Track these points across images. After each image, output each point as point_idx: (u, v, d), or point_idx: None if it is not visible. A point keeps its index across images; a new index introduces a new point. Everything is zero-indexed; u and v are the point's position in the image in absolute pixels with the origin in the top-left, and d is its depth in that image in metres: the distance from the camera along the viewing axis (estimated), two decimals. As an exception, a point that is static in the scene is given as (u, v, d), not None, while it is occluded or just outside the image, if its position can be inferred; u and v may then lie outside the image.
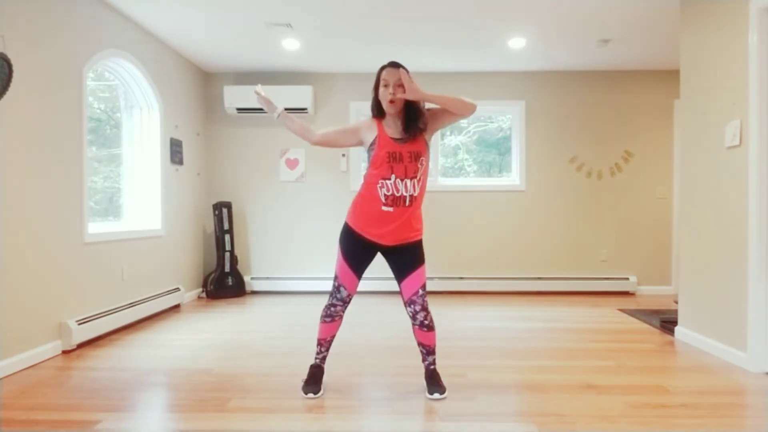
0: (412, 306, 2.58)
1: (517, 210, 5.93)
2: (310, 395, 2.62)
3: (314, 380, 2.69)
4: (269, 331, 4.07)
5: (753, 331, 3.03)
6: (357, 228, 2.58)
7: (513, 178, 6.01)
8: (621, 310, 4.91)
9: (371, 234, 2.55)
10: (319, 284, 5.87)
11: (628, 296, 5.73)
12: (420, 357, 2.75)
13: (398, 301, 2.61)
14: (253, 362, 3.24)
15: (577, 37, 4.76)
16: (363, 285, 5.80)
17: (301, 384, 2.71)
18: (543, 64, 5.64)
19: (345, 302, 2.65)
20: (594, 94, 5.90)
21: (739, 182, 3.17)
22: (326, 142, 2.72)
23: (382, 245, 2.57)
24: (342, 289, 2.62)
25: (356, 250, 2.59)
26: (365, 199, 2.55)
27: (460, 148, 6.20)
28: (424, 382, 2.72)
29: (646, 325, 4.25)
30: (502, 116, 6.11)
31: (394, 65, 2.49)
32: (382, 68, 2.52)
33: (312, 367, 2.74)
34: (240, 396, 2.65)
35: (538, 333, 4.00)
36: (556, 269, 5.92)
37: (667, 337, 3.87)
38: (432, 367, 2.69)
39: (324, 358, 2.74)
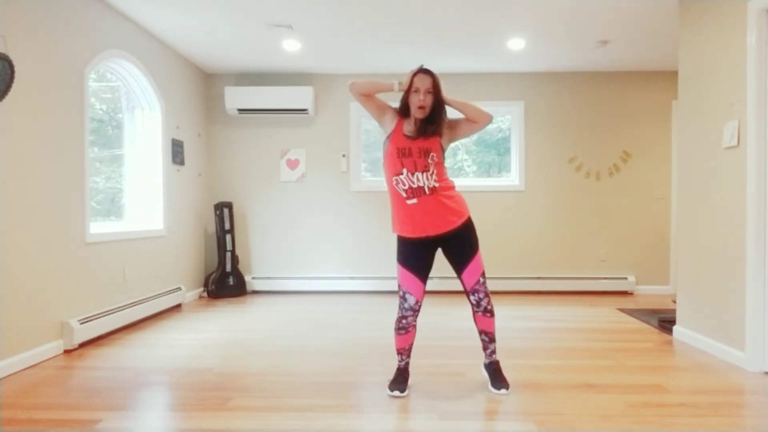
0: (476, 294, 2.64)
1: (517, 210, 5.95)
2: (396, 393, 2.64)
3: (400, 379, 2.70)
4: (270, 331, 4.09)
5: (751, 331, 3.04)
6: (401, 232, 2.64)
7: (512, 178, 6.02)
8: (620, 309, 4.92)
9: (413, 231, 2.59)
10: (319, 284, 5.89)
11: (626, 296, 5.74)
12: (480, 345, 2.80)
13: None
14: (253, 361, 3.25)
15: (576, 38, 4.78)
16: (364, 285, 5.88)
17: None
18: (542, 65, 5.66)
19: (414, 310, 2.64)
20: (593, 94, 5.92)
21: (737, 182, 3.18)
22: (361, 93, 2.63)
23: (429, 237, 2.60)
24: (408, 296, 2.63)
25: (410, 254, 2.63)
26: (393, 202, 2.63)
27: (459, 149, 6.21)
28: (485, 374, 2.78)
29: (644, 325, 4.27)
30: (502, 117, 6.12)
31: (427, 72, 2.56)
32: (415, 73, 2.56)
33: (398, 368, 2.75)
34: (241, 395, 2.66)
35: (537, 332, 4.01)
36: (555, 269, 5.94)
37: (666, 336, 3.88)
38: (495, 357, 2.76)
39: (407, 363, 2.76)
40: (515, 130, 5.98)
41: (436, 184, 2.56)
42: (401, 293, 2.64)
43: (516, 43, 4.91)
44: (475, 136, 6.19)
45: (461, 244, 2.63)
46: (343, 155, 5.96)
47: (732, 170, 3.24)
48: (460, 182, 6.00)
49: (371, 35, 4.72)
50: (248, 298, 5.62)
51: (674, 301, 4.02)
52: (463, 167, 6.22)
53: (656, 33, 4.65)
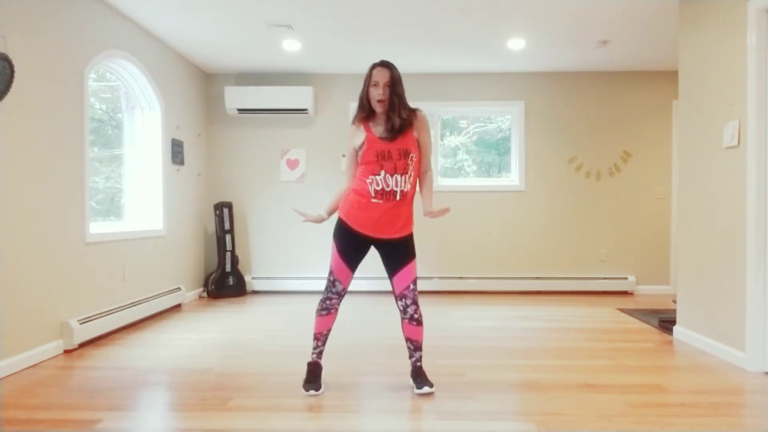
0: (404, 300, 2.65)
1: (517, 210, 5.95)
2: (312, 392, 2.64)
3: (314, 377, 2.71)
4: (270, 331, 4.09)
5: (751, 331, 3.04)
6: (349, 221, 2.64)
7: (512, 178, 6.02)
8: (620, 309, 4.92)
9: (362, 227, 2.61)
10: (319, 284, 5.86)
11: (626, 296, 5.74)
12: (407, 354, 2.79)
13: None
14: (253, 361, 3.25)
15: (576, 38, 4.78)
16: (362, 285, 5.87)
17: (302, 383, 2.73)
18: (542, 65, 5.66)
19: (340, 296, 2.70)
20: (593, 94, 5.91)
21: (737, 182, 3.18)
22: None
23: (373, 238, 2.63)
24: (337, 283, 2.68)
25: (349, 245, 2.65)
26: (356, 193, 2.62)
27: (459, 149, 6.21)
28: (411, 382, 2.75)
29: (644, 325, 4.27)
30: (502, 117, 6.13)
31: (385, 65, 2.60)
32: (373, 67, 2.61)
33: (309, 364, 2.76)
34: (241, 395, 2.66)
35: (538, 332, 4.01)
36: (555, 269, 5.94)
37: (666, 336, 3.88)
38: (418, 363, 2.74)
39: (321, 353, 2.77)
40: (515, 130, 5.98)
41: (407, 189, 2.59)
42: (332, 279, 2.68)
43: (516, 43, 4.91)
44: (475, 137, 6.19)
45: (400, 250, 2.65)
46: (343, 155, 5.95)
47: (732, 170, 3.24)
48: (460, 182, 6.05)
49: (371, 35, 4.72)
50: (248, 298, 5.62)
51: (674, 301, 4.02)
52: (463, 167, 6.22)
53: (656, 33, 4.65)
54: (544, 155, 5.94)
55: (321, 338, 2.75)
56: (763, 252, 3.00)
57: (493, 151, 6.24)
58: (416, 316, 2.67)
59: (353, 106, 5.82)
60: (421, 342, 2.73)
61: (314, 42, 4.89)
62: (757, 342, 3.02)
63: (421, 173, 2.72)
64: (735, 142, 3.18)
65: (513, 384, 2.79)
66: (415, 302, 2.66)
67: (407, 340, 2.73)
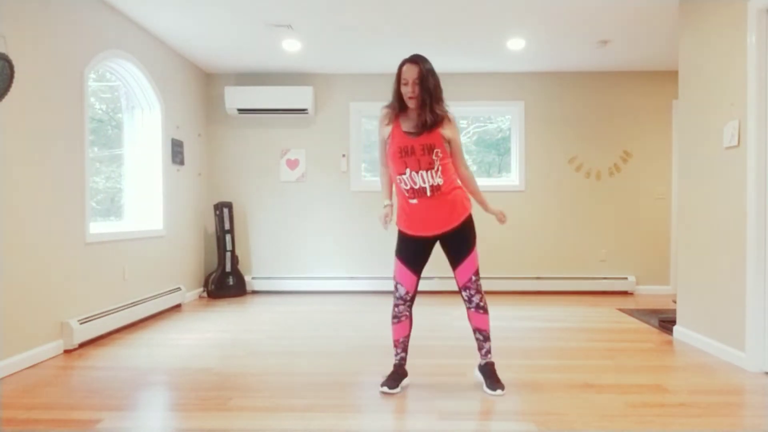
0: (467, 291, 2.67)
1: (517, 210, 5.94)
2: (385, 389, 2.65)
3: (394, 377, 2.71)
4: (270, 331, 4.09)
5: (751, 331, 3.04)
6: (401, 226, 2.69)
7: (512, 178, 6.02)
8: (620, 309, 4.92)
9: (412, 229, 2.64)
10: (319, 284, 5.89)
11: (626, 296, 5.74)
12: (475, 346, 2.79)
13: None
14: (253, 361, 3.25)
15: (576, 38, 4.78)
16: (364, 285, 5.87)
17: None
18: (542, 65, 5.66)
19: (405, 300, 2.70)
20: (593, 94, 5.91)
21: (737, 182, 3.18)
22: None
23: (428, 237, 2.64)
24: (400, 287, 2.69)
25: (407, 248, 2.68)
26: (398, 198, 2.67)
27: (459, 149, 6.21)
28: (479, 376, 2.76)
29: (644, 325, 4.27)
30: (502, 117, 6.13)
31: (413, 62, 2.58)
32: (403, 64, 2.61)
33: (394, 366, 2.77)
34: (241, 395, 2.66)
35: (537, 332, 4.01)
36: (555, 269, 5.94)
37: (666, 336, 3.88)
38: (490, 357, 2.75)
39: (403, 359, 2.77)
40: (515, 130, 5.98)
41: (440, 182, 2.55)
42: (395, 283, 2.71)
43: (516, 43, 4.91)
44: (475, 137, 6.19)
45: (458, 242, 2.66)
46: (343, 155, 5.96)
47: (732, 170, 3.23)
48: (460, 182, 6.04)
49: (371, 35, 4.72)
50: (248, 298, 5.62)
51: (674, 301, 4.02)
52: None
53: (656, 33, 4.65)
54: (544, 155, 5.94)
55: (399, 345, 2.76)
56: (763, 252, 3.00)
57: (493, 151, 6.24)
58: (482, 304, 2.69)
59: (353, 106, 5.93)
60: (489, 331, 2.74)
61: (314, 42, 4.89)
62: (757, 342, 3.02)
63: (460, 176, 2.69)
64: (735, 142, 3.18)
65: (513, 384, 2.79)
66: (479, 291, 2.68)
67: (475, 330, 2.73)
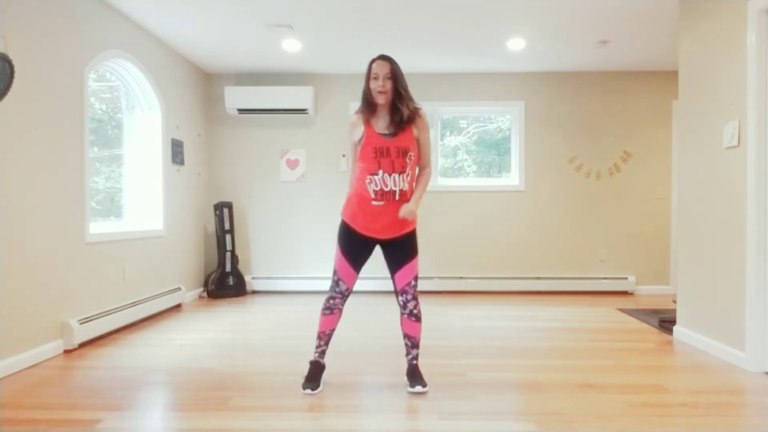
0: (404, 295, 2.68)
1: (517, 210, 5.95)
2: (308, 391, 2.65)
3: (314, 376, 2.72)
4: (270, 331, 4.09)
5: (751, 331, 3.04)
6: (352, 224, 2.66)
7: (512, 178, 6.02)
8: (620, 309, 4.92)
9: (366, 229, 2.63)
10: (319, 284, 5.88)
11: (626, 296, 5.74)
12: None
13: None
14: (253, 361, 3.25)
15: (576, 38, 4.78)
16: (363, 285, 5.85)
17: (302, 381, 2.74)
18: (542, 65, 5.66)
19: (344, 295, 2.72)
20: (593, 94, 5.91)
21: (737, 182, 3.18)
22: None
23: (377, 239, 2.65)
24: (341, 283, 2.70)
25: (353, 246, 2.68)
26: (357, 195, 2.63)
27: (459, 149, 6.21)
28: (406, 380, 2.75)
29: (644, 325, 4.27)
30: (502, 117, 6.13)
31: (385, 58, 2.62)
32: (373, 61, 2.63)
33: (311, 363, 2.77)
34: (241, 395, 2.66)
35: (538, 332, 4.01)
36: (555, 269, 5.94)
37: (666, 336, 3.88)
38: (414, 362, 2.76)
39: (323, 352, 2.78)
40: (515, 130, 5.98)
41: (406, 188, 2.59)
42: (336, 278, 2.71)
43: (516, 43, 4.91)
44: (475, 137, 6.19)
45: (403, 248, 2.67)
46: (343, 155, 5.96)
47: (732, 170, 3.24)
48: (460, 182, 6.05)
49: (371, 35, 4.72)
50: (248, 298, 5.62)
51: (674, 301, 4.02)
52: (463, 167, 6.22)
53: (656, 33, 4.65)
54: (544, 155, 5.94)
55: (324, 338, 2.76)
56: (762, 251, 3.00)
57: (493, 151, 6.24)
58: (415, 311, 2.69)
59: (353, 106, 5.91)
60: (419, 339, 2.75)
61: (314, 42, 4.89)
62: (757, 342, 3.02)
63: (420, 168, 2.73)
64: (735, 142, 3.18)
65: (513, 384, 2.79)
66: (415, 298, 2.68)
67: (405, 336, 2.74)
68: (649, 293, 5.86)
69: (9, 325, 3.03)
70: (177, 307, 5.05)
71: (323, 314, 2.74)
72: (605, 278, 5.87)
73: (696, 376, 2.96)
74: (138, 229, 4.50)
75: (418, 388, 2.65)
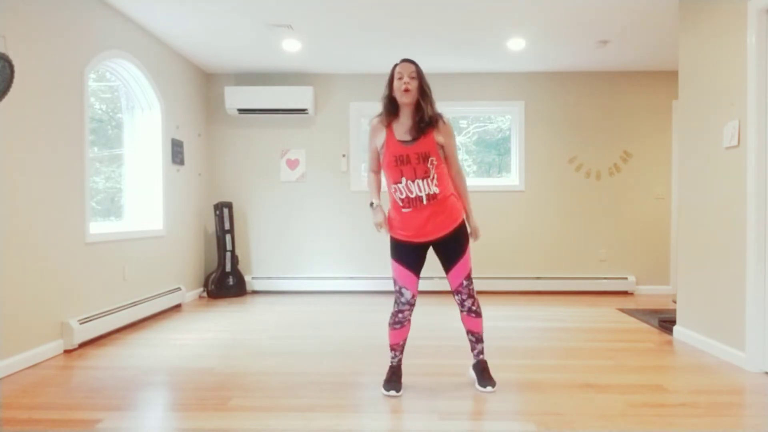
0: (459, 295, 2.68)
1: (517, 210, 5.95)
2: (392, 392, 2.64)
3: (395, 378, 2.72)
4: (270, 331, 4.09)
5: (751, 331, 3.04)
6: (395, 235, 2.66)
7: (512, 178, 6.02)
8: (620, 309, 4.92)
9: (406, 236, 2.62)
10: (319, 284, 5.89)
11: (626, 296, 5.74)
12: (468, 347, 2.83)
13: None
14: (253, 361, 3.25)
15: (577, 38, 4.78)
16: (364, 285, 5.88)
17: (382, 383, 2.74)
18: (542, 65, 5.66)
19: (411, 305, 2.68)
20: (593, 94, 5.92)
21: (737, 182, 3.18)
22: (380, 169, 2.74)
23: (421, 243, 2.63)
24: (404, 290, 2.65)
25: (403, 253, 2.65)
26: (392, 208, 2.66)
27: (459, 149, 6.21)
28: (473, 374, 2.78)
29: (644, 325, 4.27)
30: (502, 117, 6.13)
31: (408, 60, 2.60)
32: (396, 65, 2.62)
33: (391, 367, 2.76)
34: (241, 395, 2.66)
35: (537, 332, 4.01)
36: (555, 269, 5.94)
37: (666, 336, 3.88)
38: (481, 356, 2.76)
39: (399, 360, 2.77)
40: (515, 130, 5.98)
41: (437, 191, 2.54)
42: (397, 288, 2.67)
43: (516, 43, 4.91)
44: (475, 137, 6.19)
45: (450, 247, 2.64)
46: (343, 155, 5.96)
47: (732, 170, 3.24)
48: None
49: (371, 35, 4.72)
50: (248, 298, 5.62)
51: (674, 301, 4.02)
52: (463, 167, 6.22)
53: (656, 33, 4.65)
54: (544, 155, 5.94)
55: (398, 348, 2.75)
56: (762, 251, 3.00)
57: (493, 151, 6.24)
58: (474, 308, 2.69)
59: (353, 106, 5.92)
60: (482, 334, 2.75)
61: (314, 42, 4.89)
62: (757, 342, 3.02)
63: (453, 177, 2.69)
64: (735, 142, 3.18)
65: (513, 384, 2.79)
66: (471, 296, 2.67)
67: (468, 332, 2.75)
68: (649, 293, 5.86)
69: (9, 325, 3.03)
70: (177, 307, 5.05)
71: (393, 329, 2.71)
72: (605, 278, 5.87)
73: (696, 376, 2.96)
74: (138, 229, 4.50)
75: (489, 389, 2.66)
